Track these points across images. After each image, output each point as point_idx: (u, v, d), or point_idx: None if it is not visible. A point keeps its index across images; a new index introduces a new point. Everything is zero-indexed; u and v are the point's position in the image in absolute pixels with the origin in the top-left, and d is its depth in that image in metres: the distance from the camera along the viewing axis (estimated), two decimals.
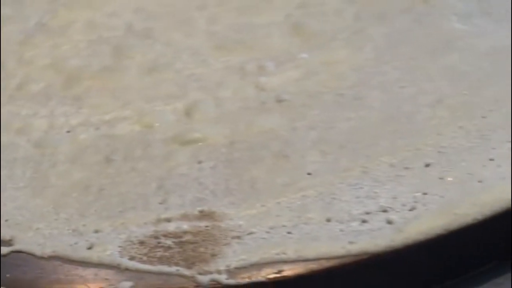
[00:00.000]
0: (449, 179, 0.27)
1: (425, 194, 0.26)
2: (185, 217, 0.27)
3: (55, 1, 0.38)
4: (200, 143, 0.29)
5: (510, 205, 0.26)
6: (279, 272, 0.25)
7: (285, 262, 0.25)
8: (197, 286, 0.25)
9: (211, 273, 0.25)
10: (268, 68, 0.33)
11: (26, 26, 0.36)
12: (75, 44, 0.35)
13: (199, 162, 0.28)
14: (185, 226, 0.26)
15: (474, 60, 0.32)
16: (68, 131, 0.30)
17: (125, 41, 0.35)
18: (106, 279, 0.26)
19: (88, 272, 0.26)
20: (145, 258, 0.26)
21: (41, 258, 0.26)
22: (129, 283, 0.25)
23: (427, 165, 0.27)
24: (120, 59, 0.34)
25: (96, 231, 0.26)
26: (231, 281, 0.24)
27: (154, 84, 0.32)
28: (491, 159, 0.27)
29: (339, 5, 0.36)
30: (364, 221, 0.26)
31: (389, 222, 0.26)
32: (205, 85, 0.32)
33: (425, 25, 0.35)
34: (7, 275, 0.25)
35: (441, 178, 0.27)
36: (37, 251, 0.26)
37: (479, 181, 0.26)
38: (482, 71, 0.31)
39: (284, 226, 0.26)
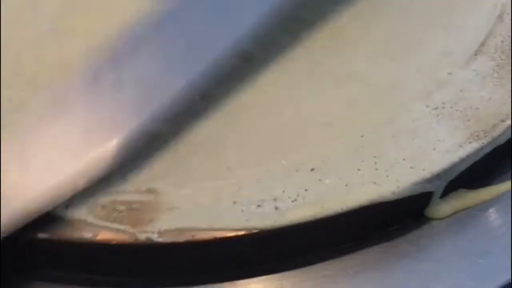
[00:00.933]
0: (326, 181, 0.37)
1: (306, 190, 0.37)
2: (136, 190, 0.37)
3: None
4: None
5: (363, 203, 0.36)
6: (193, 236, 0.35)
7: (198, 230, 0.35)
8: (136, 240, 0.35)
9: (147, 232, 0.35)
10: None
11: None
12: None
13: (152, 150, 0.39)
14: (134, 197, 0.37)
15: None
16: None
17: None
18: (74, 230, 0.36)
19: (60, 224, 0.36)
20: (104, 217, 0.36)
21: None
22: (89, 234, 0.36)
23: (312, 169, 0.37)
24: None
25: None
26: (159, 239, 0.35)
27: None
28: (358, 169, 0.38)
29: None
30: (259, 206, 0.36)
31: (276, 208, 0.36)
32: None
33: None
34: None
35: (320, 180, 0.37)
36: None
37: (346, 185, 0.37)
38: None
39: (202, 204, 0.36)
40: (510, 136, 0.37)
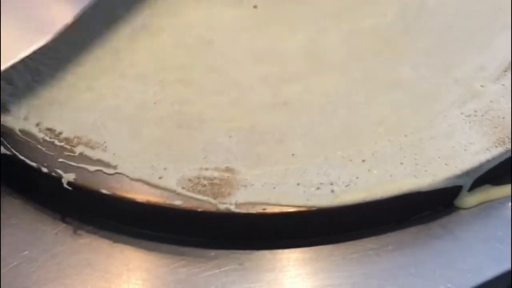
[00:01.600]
0: (374, 171, 0.45)
1: (356, 178, 0.44)
2: (216, 169, 0.44)
3: None
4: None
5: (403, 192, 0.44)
6: (263, 209, 0.43)
7: (267, 204, 0.43)
8: (217, 210, 0.43)
9: (225, 203, 0.43)
10: None
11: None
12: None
13: (230, 136, 0.46)
14: (215, 174, 0.44)
15: None
16: (155, 103, 0.48)
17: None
18: (166, 197, 0.44)
19: (155, 191, 0.44)
20: (190, 189, 0.44)
21: (131, 179, 0.45)
22: (179, 202, 0.43)
23: (363, 161, 0.45)
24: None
25: (165, 169, 0.44)
26: (236, 210, 0.42)
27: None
28: (401, 163, 0.45)
29: None
30: (318, 188, 0.43)
31: (332, 191, 0.43)
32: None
33: None
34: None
35: (369, 170, 0.45)
36: (130, 174, 0.45)
37: (390, 175, 0.44)
38: None
39: (272, 183, 0.44)
40: None
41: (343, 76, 0.48)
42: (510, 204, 0.44)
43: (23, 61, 0.47)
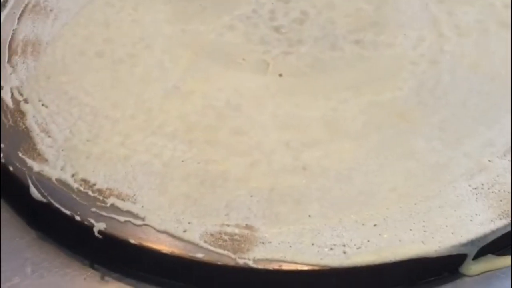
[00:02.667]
0: (384, 236, 0.48)
1: (368, 241, 0.47)
2: (237, 225, 0.48)
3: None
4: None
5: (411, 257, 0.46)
6: (279, 266, 0.46)
7: (283, 261, 0.46)
8: (236, 264, 0.46)
9: (244, 258, 0.46)
10: None
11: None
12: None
13: (251, 196, 0.49)
14: (236, 230, 0.47)
15: None
16: (183, 161, 0.52)
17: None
18: (189, 250, 0.47)
19: (179, 243, 0.47)
20: (212, 243, 0.47)
21: (158, 230, 0.48)
22: (201, 255, 0.46)
23: (375, 225, 0.48)
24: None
25: (189, 223, 0.48)
26: (254, 265, 0.45)
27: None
28: (410, 229, 0.48)
29: None
30: (331, 249, 0.46)
31: (344, 252, 0.46)
32: None
33: None
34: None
35: (380, 234, 0.47)
36: (156, 226, 0.48)
37: (399, 240, 0.47)
38: None
39: (288, 242, 0.47)
40: None
41: (360, 145, 0.51)
42: (510, 274, 0.46)
43: (62, 115, 0.51)
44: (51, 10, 0.62)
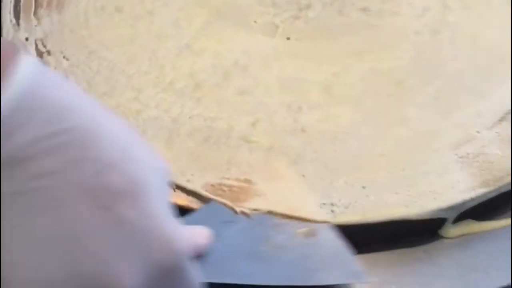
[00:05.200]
0: (371, 198, 0.51)
1: (355, 202, 0.50)
2: (236, 179, 0.51)
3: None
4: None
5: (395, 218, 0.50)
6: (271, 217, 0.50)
7: (276, 213, 0.50)
8: (233, 210, 0.50)
9: (241, 207, 0.49)
10: None
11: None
12: None
13: (251, 153, 0.53)
14: (235, 183, 0.51)
15: None
16: (190, 117, 0.56)
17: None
18: (191, 200, 0.51)
19: (181, 193, 0.51)
20: (212, 192, 0.51)
21: None
22: (201, 204, 0.50)
23: (363, 187, 0.51)
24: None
25: (192, 175, 0.51)
26: (250, 214, 0.49)
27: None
28: (396, 193, 0.51)
29: None
30: (320, 207, 0.49)
31: (332, 211, 0.50)
32: None
33: None
34: None
35: (367, 196, 0.51)
36: None
37: (385, 203, 0.51)
38: None
39: (281, 197, 0.50)
40: (511, 187, 0.50)
41: (356, 110, 0.54)
42: (489, 238, 0.50)
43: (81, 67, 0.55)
44: None
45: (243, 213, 0.49)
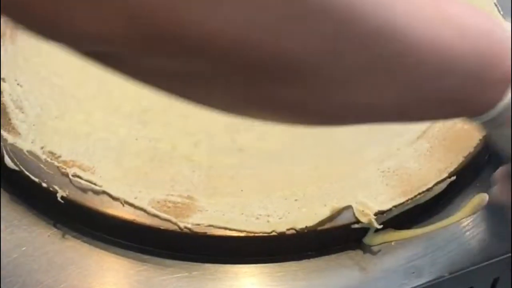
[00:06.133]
0: (303, 209, 0.56)
1: (288, 213, 0.56)
2: (180, 195, 0.55)
3: None
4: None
5: (323, 227, 0.55)
6: (213, 231, 0.54)
7: (217, 227, 0.55)
8: (177, 228, 0.54)
9: (184, 223, 0.54)
10: None
11: None
12: None
13: (193, 171, 0.58)
14: (178, 199, 0.56)
15: None
16: (136, 139, 0.60)
17: None
18: (138, 215, 0.56)
19: (129, 209, 0.56)
20: (158, 209, 0.55)
21: (113, 197, 0.57)
22: (148, 219, 0.55)
23: (296, 200, 0.56)
24: None
25: (139, 192, 0.56)
26: (193, 229, 0.54)
27: None
28: (325, 205, 0.57)
29: None
30: (257, 218, 0.54)
31: (268, 221, 0.55)
32: None
33: None
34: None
35: (299, 208, 0.56)
36: (112, 193, 0.56)
37: (315, 214, 0.56)
38: None
39: (222, 211, 0.55)
40: (427, 198, 0.56)
41: (289, 130, 0.59)
42: (407, 246, 0.56)
43: (34, 93, 0.59)
44: None
45: (186, 228, 0.53)
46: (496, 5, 0.69)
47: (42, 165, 0.56)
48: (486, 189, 0.58)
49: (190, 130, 0.59)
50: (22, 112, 0.59)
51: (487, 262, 0.55)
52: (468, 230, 0.57)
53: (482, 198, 0.58)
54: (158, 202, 0.55)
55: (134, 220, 0.54)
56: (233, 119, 0.59)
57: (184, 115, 0.60)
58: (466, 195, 0.58)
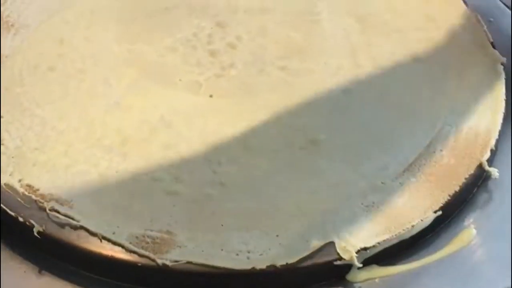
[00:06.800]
0: (284, 245, 0.55)
1: (269, 249, 0.54)
2: (159, 231, 0.54)
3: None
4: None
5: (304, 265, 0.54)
6: (192, 268, 0.53)
7: (197, 264, 0.54)
8: (155, 264, 0.53)
9: (163, 259, 0.53)
10: None
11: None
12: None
13: (174, 205, 0.57)
14: (157, 235, 0.55)
15: None
16: (117, 172, 0.59)
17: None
18: (116, 251, 0.55)
19: (107, 245, 0.55)
20: (136, 244, 0.54)
21: (90, 232, 0.56)
22: (126, 254, 0.54)
23: (277, 236, 0.55)
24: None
25: (118, 227, 0.55)
26: (170, 265, 0.53)
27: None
28: (307, 241, 0.56)
29: None
30: (237, 254, 0.53)
31: (248, 258, 0.53)
32: None
33: None
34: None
35: (280, 244, 0.55)
36: (90, 228, 0.56)
37: (296, 250, 0.55)
38: None
39: (201, 247, 0.54)
40: (412, 233, 0.55)
41: (272, 163, 0.59)
42: (390, 281, 0.54)
43: (15, 124, 0.58)
44: (12, 25, 0.69)
45: (164, 265, 0.52)
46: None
47: (19, 199, 0.55)
48: (473, 224, 0.57)
49: (171, 163, 0.58)
50: (2, 144, 0.58)
51: None
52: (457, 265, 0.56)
53: (469, 233, 0.57)
54: (137, 237, 0.54)
55: (112, 256, 0.53)
56: (215, 150, 0.59)
57: (166, 146, 0.59)
58: (452, 230, 0.57)
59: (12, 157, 0.58)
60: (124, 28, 0.69)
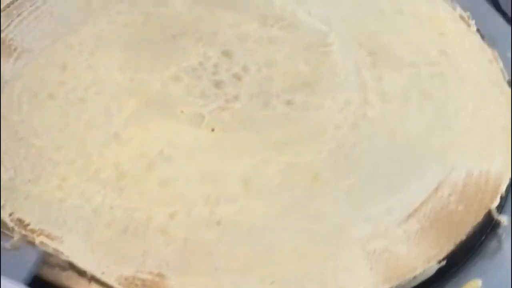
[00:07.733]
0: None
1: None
2: (150, 272, 0.53)
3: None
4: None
5: None
6: None
7: None
8: None
9: None
10: None
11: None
12: None
13: (167, 245, 0.55)
14: (148, 277, 0.53)
15: None
16: (111, 207, 0.57)
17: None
18: None
19: (95, 285, 0.53)
20: (125, 286, 0.52)
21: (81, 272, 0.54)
22: None
23: (272, 283, 0.53)
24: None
25: (107, 266, 0.53)
26: None
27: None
28: None
29: None
30: None
31: None
32: None
33: None
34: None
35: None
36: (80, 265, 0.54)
37: None
38: None
39: None
40: (413, 284, 0.52)
41: (272, 204, 0.56)
42: None
43: (9, 154, 0.57)
44: (15, 50, 0.67)
45: None
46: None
47: (8, 233, 0.53)
48: (480, 275, 0.55)
49: (168, 200, 0.56)
50: None
51: None
52: None
53: (475, 284, 0.54)
54: (126, 278, 0.52)
55: None
56: (214, 188, 0.57)
57: (163, 182, 0.57)
58: (458, 281, 0.55)
59: (4, 189, 0.56)
60: (129, 55, 0.68)
